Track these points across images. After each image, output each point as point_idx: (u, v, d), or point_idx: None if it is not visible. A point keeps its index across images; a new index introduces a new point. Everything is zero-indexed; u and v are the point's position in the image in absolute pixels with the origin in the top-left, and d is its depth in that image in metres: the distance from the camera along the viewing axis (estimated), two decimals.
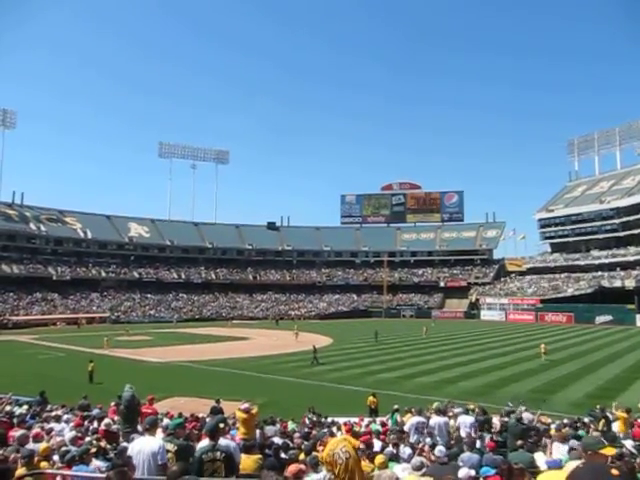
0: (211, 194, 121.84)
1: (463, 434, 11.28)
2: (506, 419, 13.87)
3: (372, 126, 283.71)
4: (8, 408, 13.86)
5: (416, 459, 6.81)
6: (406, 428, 11.29)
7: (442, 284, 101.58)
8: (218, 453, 5.51)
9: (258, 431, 11.08)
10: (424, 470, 6.38)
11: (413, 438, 10.42)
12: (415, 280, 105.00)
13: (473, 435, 10.83)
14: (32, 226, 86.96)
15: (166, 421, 12.35)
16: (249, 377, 29.86)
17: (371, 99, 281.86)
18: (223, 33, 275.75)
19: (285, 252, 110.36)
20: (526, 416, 14.01)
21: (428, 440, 10.19)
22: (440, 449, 7.51)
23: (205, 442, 6.51)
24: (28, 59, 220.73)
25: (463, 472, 5.96)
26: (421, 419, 11.03)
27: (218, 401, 16.63)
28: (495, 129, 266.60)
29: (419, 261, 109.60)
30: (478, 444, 9.87)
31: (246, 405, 10.32)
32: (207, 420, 12.40)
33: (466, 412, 14.17)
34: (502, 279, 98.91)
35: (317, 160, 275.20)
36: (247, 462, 6.81)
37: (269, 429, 12.40)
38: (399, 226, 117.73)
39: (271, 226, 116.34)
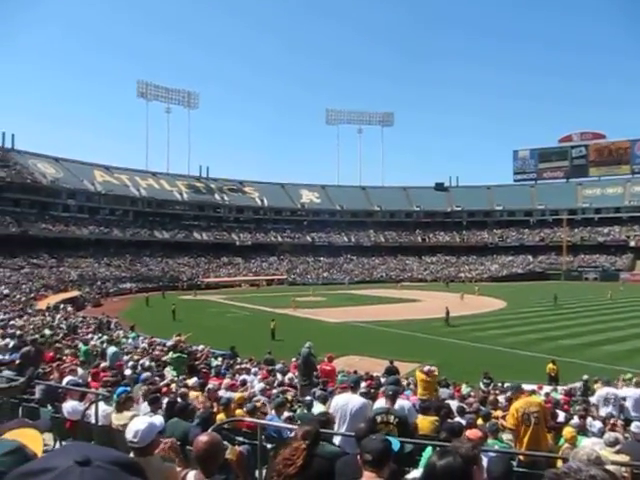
0: (377, 157, 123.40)
1: None
2: None
3: (545, 79, 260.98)
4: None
5: (609, 434, 6.27)
6: (594, 399, 10.48)
7: (632, 244, 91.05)
8: (392, 417, 5.58)
9: None
10: (619, 447, 5.85)
11: (602, 411, 9.63)
12: (600, 240, 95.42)
13: None
14: (217, 197, 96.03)
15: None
16: (419, 338, 29.98)
17: (543, 50, 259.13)
18: None
19: (454, 213, 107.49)
20: None
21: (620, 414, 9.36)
22: (637, 425, 6.85)
23: (381, 402, 6.66)
24: (209, 30, 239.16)
25: None
26: (612, 390, 10.14)
27: (392, 361, 16.97)
28: None
29: (604, 219, 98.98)
30: None
31: (428, 367, 10.36)
32: (382, 380, 12.73)
33: None
34: None
35: (485, 117, 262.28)
36: (424, 423, 6.86)
37: (443, 391, 12.35)
38: (580, 181, 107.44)
39: (439, 187, 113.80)
